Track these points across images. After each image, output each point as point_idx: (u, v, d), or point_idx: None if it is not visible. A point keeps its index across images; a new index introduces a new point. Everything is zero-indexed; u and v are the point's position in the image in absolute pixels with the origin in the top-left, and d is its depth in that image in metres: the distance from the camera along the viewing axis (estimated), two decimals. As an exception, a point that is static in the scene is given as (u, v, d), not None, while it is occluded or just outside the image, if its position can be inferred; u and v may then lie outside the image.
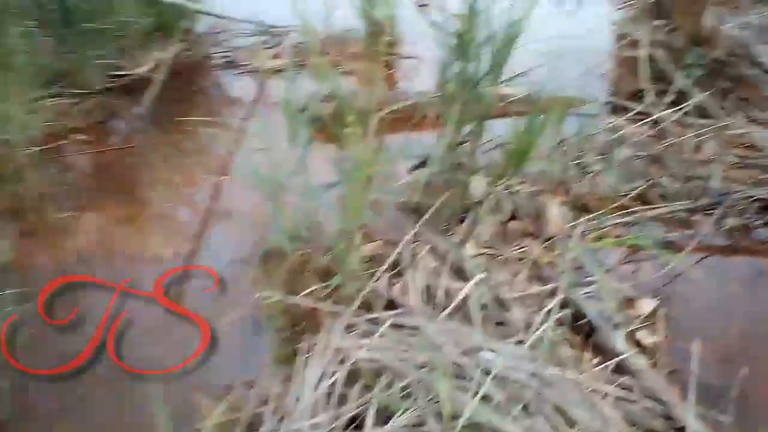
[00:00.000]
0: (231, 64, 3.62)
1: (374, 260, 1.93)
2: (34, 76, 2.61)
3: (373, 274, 1.83)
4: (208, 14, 3.70)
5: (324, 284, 1.86)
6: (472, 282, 1.73)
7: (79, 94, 2.98)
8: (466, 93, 1.69)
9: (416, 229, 1.86)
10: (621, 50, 2.84)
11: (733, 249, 2.11)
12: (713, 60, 2.65)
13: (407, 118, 2.85)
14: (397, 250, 1.83)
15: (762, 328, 1.82)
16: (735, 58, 2.65)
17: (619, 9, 3.82)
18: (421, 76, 3.38)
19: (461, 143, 1.83)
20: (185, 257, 2.14)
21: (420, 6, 4.26)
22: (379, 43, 3.82)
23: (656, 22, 2.77)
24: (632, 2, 3.77)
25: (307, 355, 1.65)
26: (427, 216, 1.89)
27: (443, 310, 1.72)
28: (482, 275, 1.76)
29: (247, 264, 2.07)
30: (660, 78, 2.75)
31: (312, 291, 1.85)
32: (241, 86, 3.41)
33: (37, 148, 2.56)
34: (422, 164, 2.35)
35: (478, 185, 2.06)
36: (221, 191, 2.50)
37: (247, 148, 2.72)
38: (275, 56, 3.81)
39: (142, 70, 3.27)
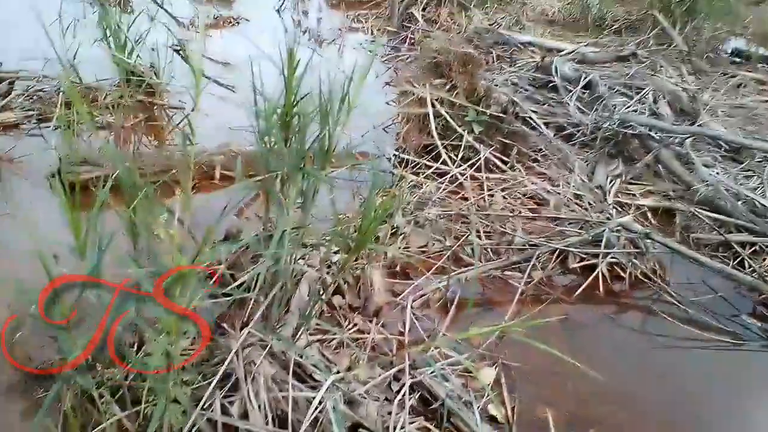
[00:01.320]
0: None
1: (196, 368, 1.56)
2: None
3: (198, 394, 1.46)
4: None
5: (133, 411, 1.45)
6: (323, 388, 1.48)
7: None
8: (295, 173, 1.46)
9: (247, 330, 1.54)
10: (406, 107, 2.87)
11: (542, 300, 2.20)
12: (490, 116, 2.82)
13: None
14: (228, 359, 1.49)
15: (589, 383, 1.88)
16: (507, 115, 2.85)
17: (389, 68, 3.96)
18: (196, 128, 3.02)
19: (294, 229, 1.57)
20: None
21: (176, 51, 3.85)
22: (138, 93, 3.36)
23: (437, 81, 2.86)
24: (400, 58, 3.93)
25: None
26: (258, 313, 1.58)
27: (293, 429, 1.43)
28: (332, 378, 1.52)
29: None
30: (446, 134, 2.83)
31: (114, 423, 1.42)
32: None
33: None
34: (231, 238, 2.05)
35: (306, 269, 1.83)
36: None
37: None
38: (3, 107, 3.11)
39: None
